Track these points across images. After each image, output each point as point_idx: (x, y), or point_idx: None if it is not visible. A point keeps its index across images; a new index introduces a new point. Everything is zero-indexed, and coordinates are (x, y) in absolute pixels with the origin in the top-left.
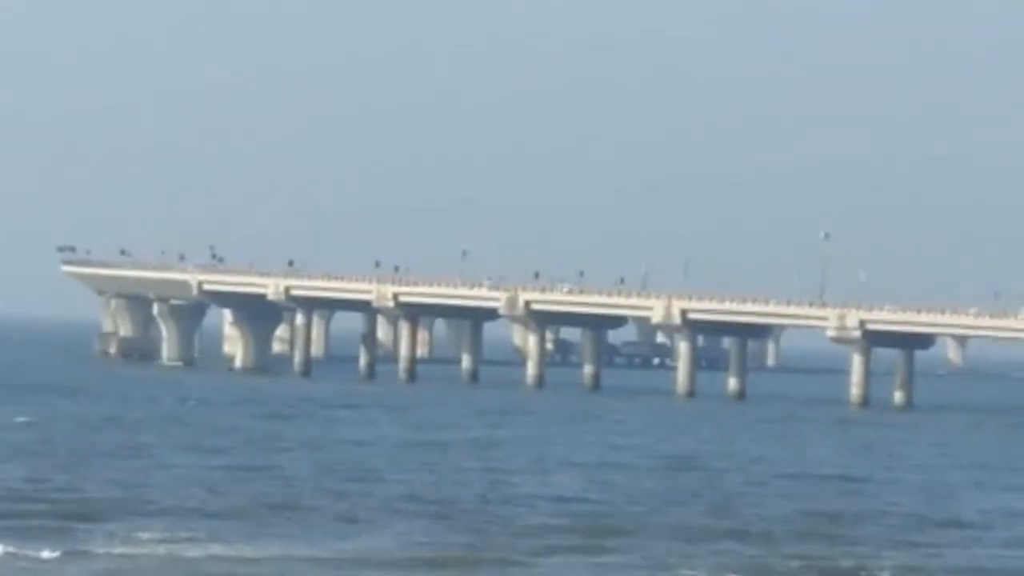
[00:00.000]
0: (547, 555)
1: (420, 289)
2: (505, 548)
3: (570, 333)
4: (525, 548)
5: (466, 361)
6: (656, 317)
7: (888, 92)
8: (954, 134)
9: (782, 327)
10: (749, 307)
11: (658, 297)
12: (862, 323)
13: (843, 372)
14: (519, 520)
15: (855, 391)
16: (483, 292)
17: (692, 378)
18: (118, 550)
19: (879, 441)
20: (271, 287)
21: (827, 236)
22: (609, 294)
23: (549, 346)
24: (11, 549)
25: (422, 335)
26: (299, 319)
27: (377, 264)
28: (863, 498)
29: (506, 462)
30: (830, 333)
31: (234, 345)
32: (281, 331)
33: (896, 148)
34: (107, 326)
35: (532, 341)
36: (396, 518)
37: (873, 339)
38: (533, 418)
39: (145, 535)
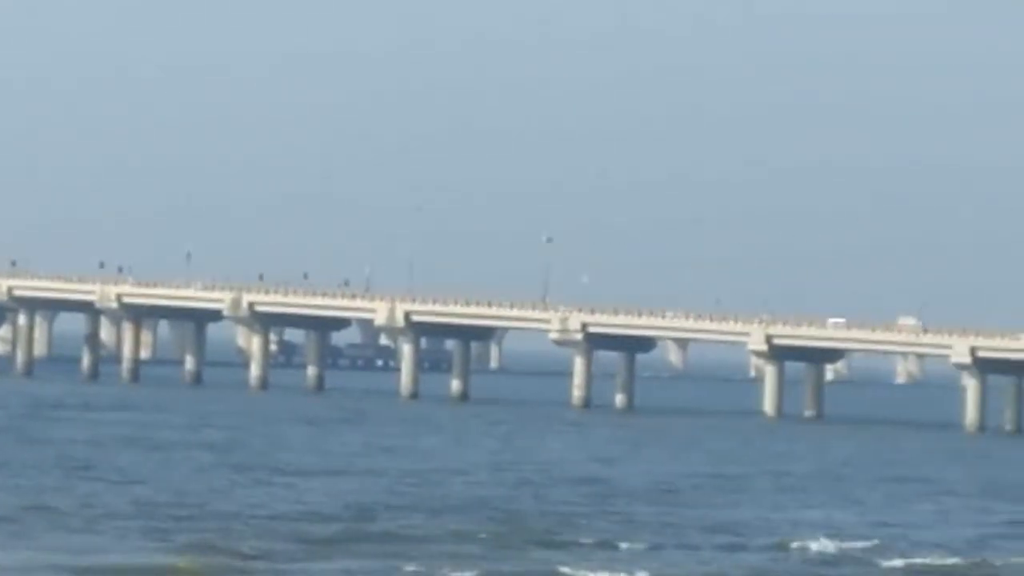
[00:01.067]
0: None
1: (143, 290)
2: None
3: (294, 335)
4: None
5: (189, 363)
6: (380, 319)
7: (611, 107)
8: (673, 151)
9: (505, 329)
10: (472, 309)
11: (382, 299)
12: (584, 326)
13: (567, 374)
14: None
15: (577, 393)
16: (207, 293)
17: (416, 380)
18: None
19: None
20: None
21: (549, 240)
22: (333, 296)
23: (273, 348)
24: None
25: (146, 336)
26: (21, 319)
27: (101, 265)
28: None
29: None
30: (552, 336)
31: None
32: (3, 331)
33: (617, 162)
34: None
35: (256, 343)
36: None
37: (594, 341)
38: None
39: None
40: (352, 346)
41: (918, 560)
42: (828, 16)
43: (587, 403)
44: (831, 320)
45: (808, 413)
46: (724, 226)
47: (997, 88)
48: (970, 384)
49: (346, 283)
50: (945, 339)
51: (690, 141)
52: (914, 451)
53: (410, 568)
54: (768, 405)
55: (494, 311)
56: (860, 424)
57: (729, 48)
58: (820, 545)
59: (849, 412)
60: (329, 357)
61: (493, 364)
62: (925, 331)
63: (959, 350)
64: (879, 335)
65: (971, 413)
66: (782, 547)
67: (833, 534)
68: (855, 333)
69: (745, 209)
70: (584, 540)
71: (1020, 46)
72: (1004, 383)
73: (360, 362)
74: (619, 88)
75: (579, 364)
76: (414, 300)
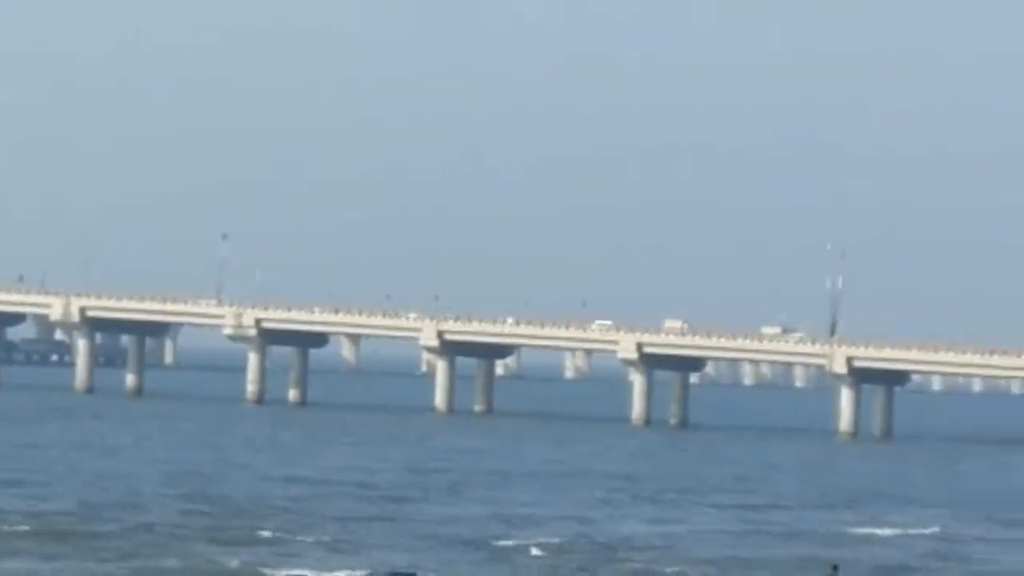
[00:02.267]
0: None
1: None
2: None
3: None
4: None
5: None
6: (55, 315)
7: (288, 109)
8: (347, 152)
9: (180, 325)
10: (147, 305)
11: (57, 295)
12: (257, 321)
13: (242, 370)
14: None
15: (251, 388)
16: None
17: (91, 375)
18: None
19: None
20: None
21: (224, 237)
22: (7, 291)
23: None
24: None
25: None
26: None
27: None
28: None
29: None
30: (227, 331)
31: None
32: None
33: (292, 162)
34: None
35: None
36: None
37: (268, 337)
38: None
39: None
40: (27, 341)
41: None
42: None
43: (261, 398)
44: (510, 319)
45: (478, 408)
46: (398, 226)
47: (660, 91)
48: (636, 379)
49: (21, 278)
50: (613, 335)
51: (367, 143)
52: (579, 446)
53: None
54: (439, 400)
55: (168, 307)
56: (529, 418)
57: (403, 53)
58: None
59: (518, 407)
60: (3, 352)
61: (168, 359)
62: (616, 328)
63: (626, 346)
64: (548, 331)
65: (637, 408)
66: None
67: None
68: (524, 329)
69: (419, 208)
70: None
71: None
72: (669, 378)
73: (35, 357)
74: (296, 89)
75: (253, 360)
76: (89, 295)
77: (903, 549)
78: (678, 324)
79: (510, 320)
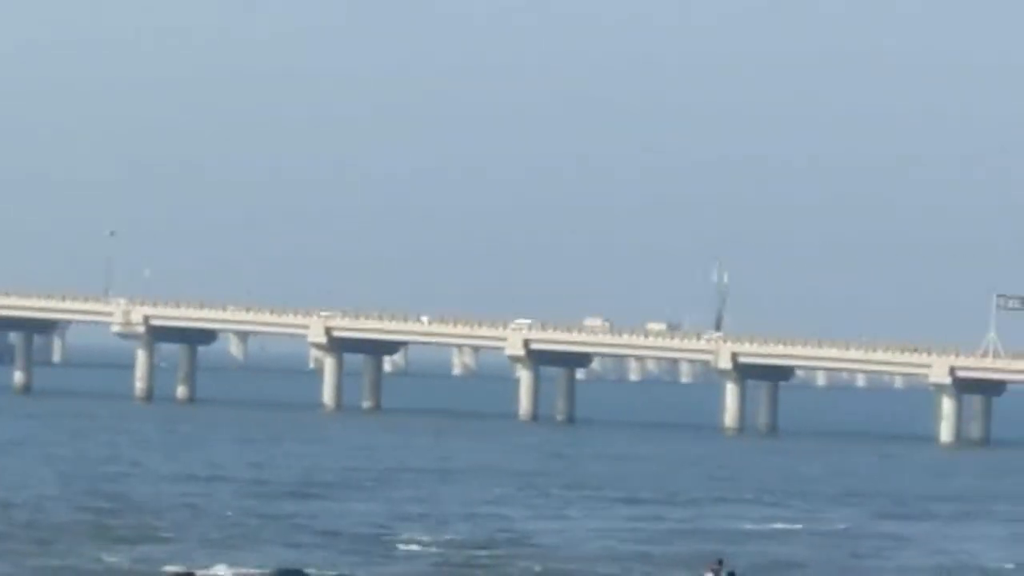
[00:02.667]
0: None
1: None
2: None
3: None
4: None
5: None
6: None
7: (176, 105)
8: (236, 150)
9: (68, 322)
10: (34, 302)
11: None
12: (146, 318)
13: (131, 367)
14: None
15: (139, 385)
16: None
17: None
18: None
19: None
20: None
21: (112, 234)
22: None
23: None
24: None
25: None
26: None
27: None
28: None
29: None
30: (115, 328)
31: None
32: None
33: (181, 159)
34: None
35: None
36: None
37: (157, 334)
38: None
39: None
40: None
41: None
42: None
43: (149, 395)
44: (424, 317)
45: (366, 404)
46: (285, 224)
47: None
48: (523, 376)
49: None
50: (501, 332)
51: (254, 141)
52: (472, 442)
53: None
54: (327, 396)
55: (56, 303)
56: (417, 414)
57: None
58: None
59: (406, 404)
60: None
61: (57, 357)
62: (506, 325)
63: (513, 343)
64: (436, 328)
65: (524, 403)
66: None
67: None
68: (411, 326)
69: (305, 209)
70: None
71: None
72: (556, 374)
73: None
74: (186, 86)
75: (141, 356)
76: None
77: (810, 546)
78: (598, 322)
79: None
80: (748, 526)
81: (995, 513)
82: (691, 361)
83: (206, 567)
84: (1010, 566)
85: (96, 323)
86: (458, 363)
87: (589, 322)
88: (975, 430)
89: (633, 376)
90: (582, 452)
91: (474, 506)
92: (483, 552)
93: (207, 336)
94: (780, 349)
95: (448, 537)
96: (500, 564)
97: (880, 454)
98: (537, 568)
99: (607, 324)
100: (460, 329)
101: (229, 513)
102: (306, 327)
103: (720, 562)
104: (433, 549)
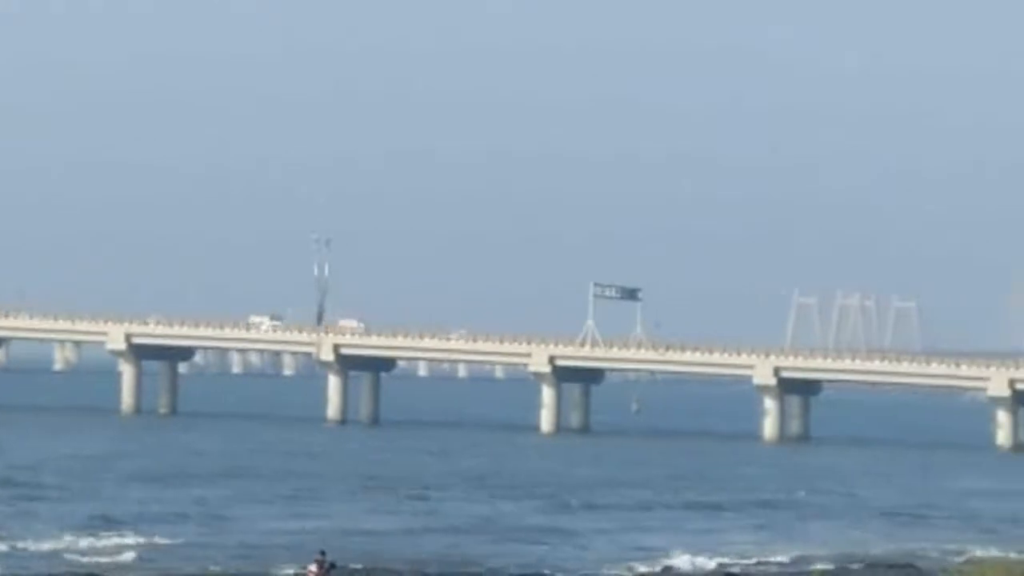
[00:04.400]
0: None
1: None
2: None
3: None
4: None
5: None
6: None
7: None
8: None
9: None
10: None
11: None
12: None
13: None
14: None
15: None
16: None
17: None
18: None
19: None
20: None
21: None
22: None
23: None
24: None
25: None
26: None
27: None
28: None
29: None
30: None
31: None
32: None
33: None
34: None
35: None
36: None
37: None
38: None
39: None
40: None
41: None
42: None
43: None
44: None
45: None
46: None
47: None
48: (126, 370)
49: None
50: (103, 327)
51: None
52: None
53: None
54: None
55: None
56: (21, 411)
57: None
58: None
59: (9, 400)
60: None
61: None
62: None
63: (114, 337)
64: (37, 323)
65: (127, 398)
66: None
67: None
68: (11, 322)
69: None
70: None
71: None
72: (159, 368)
73: None
74: None
75: None
76: None
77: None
78: (353, 323)
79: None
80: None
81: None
82: (294, 353)
83: None
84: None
85: None
86: (60, 358)
87: (344, 323)
88: (575, 419)
89: (236, 369)
90: (180, 444)
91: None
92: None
93: None
94: (382, 341)
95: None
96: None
97: (482, 442)
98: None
99: (362, 326)
100: (61, 324)
101: None
102: None
103: (323, 552)
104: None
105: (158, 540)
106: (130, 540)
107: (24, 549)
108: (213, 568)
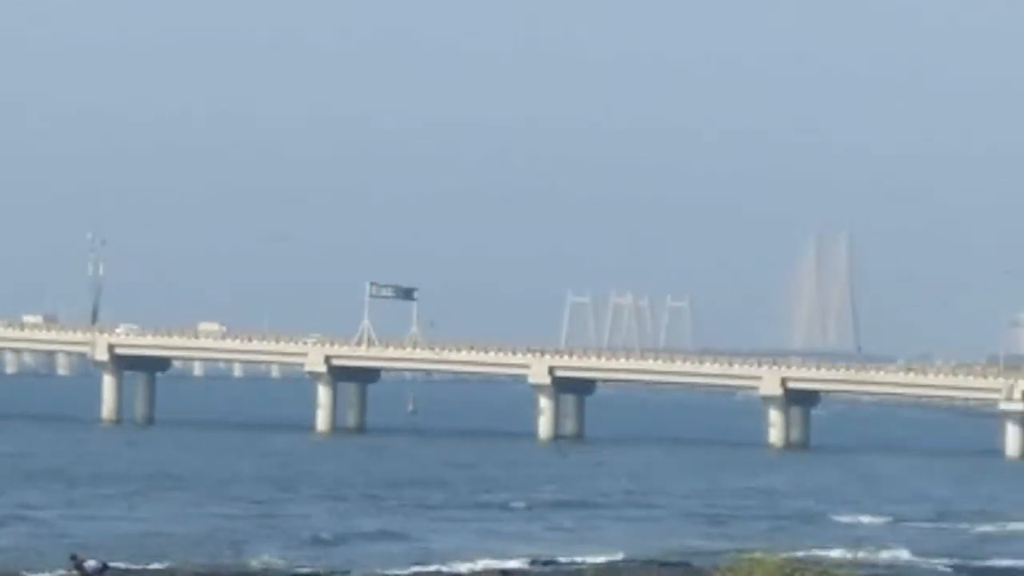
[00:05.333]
0: None
1: None
2: None
3: None
4: None
5: None
6: None
7: None
8: None
9: None
10: None
11: None
12: None
13: None
14: None
15: None
16: None
17: None
18: None
19: None
20: None
21: None
22: None
23: None
24: None
25: None
26: None
27: None
28: None
29: None
30: None
31: None
32: None
33: None
34: None
35: None
36: None
37: None
38: None
39: None
40: None
41: None
42: None
43: None
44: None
45: None
46: None
47: None
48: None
49: None
50: None
51: None
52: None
53: None
54: None
55: None
56: None
57: None
58: None
59: None
60: None
61: None
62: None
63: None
64: None
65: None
66: None
67: None
68: None
69: None
70: None
71: None
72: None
73: None
74: None
75: None
76: None
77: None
78: (215, 327)
79: None
80: None
81: None
82: (69, 353)
83: None
84: None
85: None
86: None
87: (204, 327)
88: (351, 417)
89: (10, 369)
90: None
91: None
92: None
93: None
94: (155, 340)
95: None
96: None
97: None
98: None
99: (224, 329)
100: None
101: None
102: None
103: (73, 556)
104: None
105: None
106: None
107: None
108: None
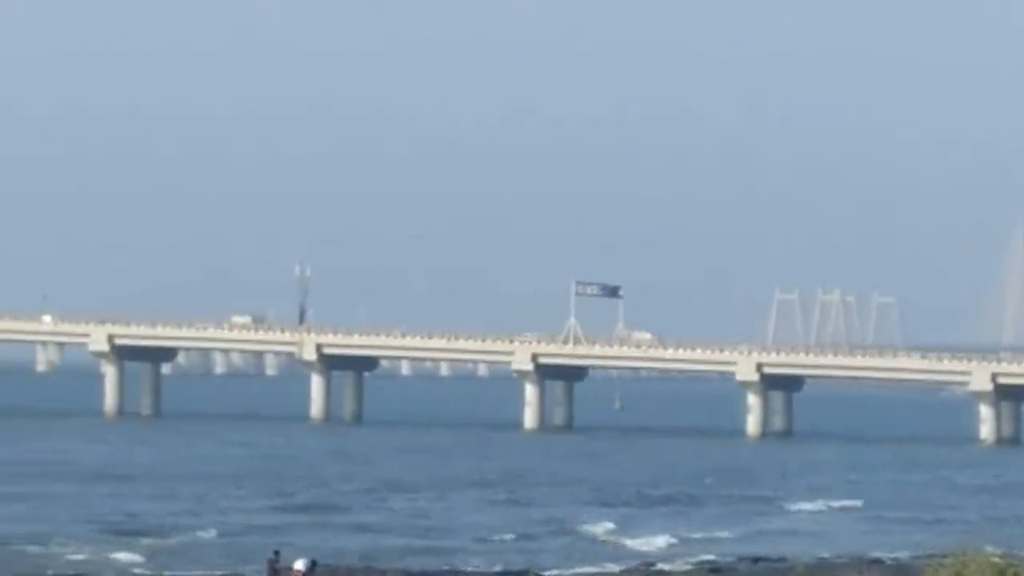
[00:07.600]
0: None
1: None
2: None
3: None
4: None
5: None
6: None
7: None
8: None
9: None
10: None
11: None
12: None
13: None
14: None
15: None
16: None
17: None
18: None
19: None
20: None
21: None
22: None
23: None
24: None
25: None
26: None
27: None
28: None
29: None
30: None
31: None
32: None
33: None
34: None
35: None
36: None
37: None
38: None
39: None
40: None
41: None
42: None
43: None
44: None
45: None
46: None
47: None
48: (108, 371)
49: None
50: (84, 328)
51: None
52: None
53: None
54: None
55: None
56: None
57: None
58: None
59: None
60: None
61: None
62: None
63: (97, 338)
64: (23, 325)
65: (110, 400)
66: None
67: None
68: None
69: None
70: None
71: None
72: (142, 369)
73: None
74: None
75: None
76: None
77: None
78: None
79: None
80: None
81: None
82: (276, 353)
83: None
84: None
85: None
86: (43, 360)
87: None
88: (558, 415)
89: (219, 369)
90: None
91: None
92: None
93: None
94: (363, 340)
95: None
96: None
97: (474, 438)
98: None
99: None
100: (43, 327)
101: None
102: None
103: (277, 552)
104: None
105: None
106: None
107: None
108: None
